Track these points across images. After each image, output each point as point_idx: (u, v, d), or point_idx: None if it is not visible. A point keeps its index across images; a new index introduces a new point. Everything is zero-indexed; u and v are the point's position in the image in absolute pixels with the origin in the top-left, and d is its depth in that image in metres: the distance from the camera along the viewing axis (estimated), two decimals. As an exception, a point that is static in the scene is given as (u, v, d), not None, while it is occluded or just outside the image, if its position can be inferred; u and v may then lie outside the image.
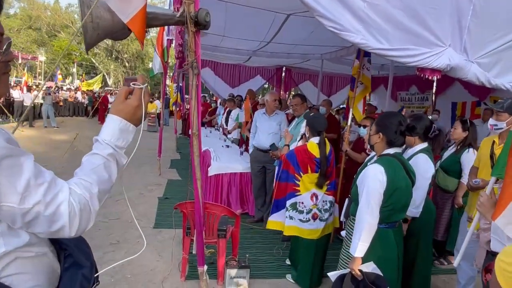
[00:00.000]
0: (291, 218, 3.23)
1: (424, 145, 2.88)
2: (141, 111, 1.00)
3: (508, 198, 1.67)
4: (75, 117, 18.96)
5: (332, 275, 2.30)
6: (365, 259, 2.15)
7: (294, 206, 3.23)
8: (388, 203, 2.18)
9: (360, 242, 2.12)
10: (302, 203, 3.22)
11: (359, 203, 2.20)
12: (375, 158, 2.41)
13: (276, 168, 3.35)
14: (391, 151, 2.29)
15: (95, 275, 1.05)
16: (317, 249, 3.28)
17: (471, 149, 3.50)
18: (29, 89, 15.92)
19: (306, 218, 3.22)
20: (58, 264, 1.02)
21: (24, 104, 14.30)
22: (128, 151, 1.04)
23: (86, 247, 1.09)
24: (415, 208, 2.70)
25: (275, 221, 3.35)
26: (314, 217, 3.22)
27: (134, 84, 1.03)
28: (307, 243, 3.25)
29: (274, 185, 3.37)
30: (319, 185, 3.22)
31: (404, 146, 2.60)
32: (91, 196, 0.91)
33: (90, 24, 2.15)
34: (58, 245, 1.03)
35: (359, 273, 2.13)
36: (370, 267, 2.15)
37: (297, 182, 3.22)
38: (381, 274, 2.15)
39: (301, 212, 3.21)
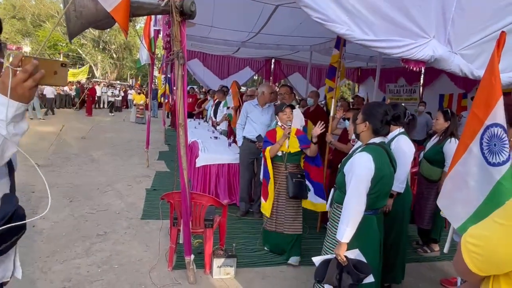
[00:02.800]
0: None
1: (401, 129, 3.18)
2: (2, 85, 1.12)
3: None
4: (61, 109, 18.64)
5: (317, 260, 2.33)
6: (350, 245, 2.19)
7: None
8: (375, 190, 2.22)
9: (347, 228, 2.15)
10: None
11: (347, 190, 2.24)
12: (361, 147, 2.44)
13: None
14: (377, 140, 2.33)
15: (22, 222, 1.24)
16: None
17: (453, 139, 3.58)
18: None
19: None
20: None
21: (47, 96, 15.47)
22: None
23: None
24: (400, 183, 3.00)
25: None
26: None
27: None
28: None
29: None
30: None
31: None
32: None
33: (73, 13, 2.13)
34: None
35: (344, 258, 2.17)
36: (355, 254, 2.19)
37: None
38: (365, 261, 2.19)
39: None
